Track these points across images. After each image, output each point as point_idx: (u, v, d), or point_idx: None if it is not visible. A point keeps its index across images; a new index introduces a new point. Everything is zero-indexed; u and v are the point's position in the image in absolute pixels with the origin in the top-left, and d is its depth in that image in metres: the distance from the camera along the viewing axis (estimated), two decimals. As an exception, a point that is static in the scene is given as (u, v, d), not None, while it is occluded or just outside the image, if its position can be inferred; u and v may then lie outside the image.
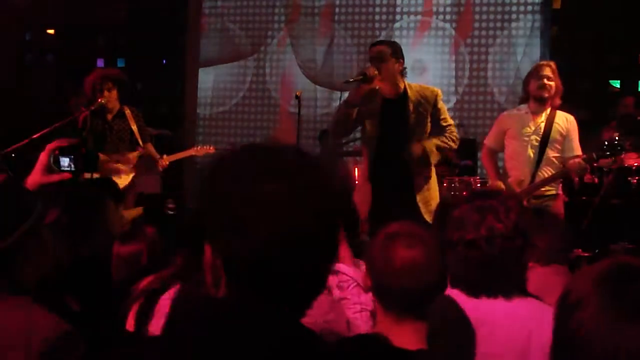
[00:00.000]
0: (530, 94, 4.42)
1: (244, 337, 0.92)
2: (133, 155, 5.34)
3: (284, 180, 0.95)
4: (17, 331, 1.45)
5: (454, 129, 4.13)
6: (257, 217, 0.92)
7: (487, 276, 1.88)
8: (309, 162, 0.99)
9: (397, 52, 3.99)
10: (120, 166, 5.31)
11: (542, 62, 4.55)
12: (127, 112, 5.33)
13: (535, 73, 4.41)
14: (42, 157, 1.81)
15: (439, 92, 4.11)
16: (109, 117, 5.34)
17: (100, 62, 8.24)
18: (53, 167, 1.83)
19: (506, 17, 7.48)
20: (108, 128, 5.32)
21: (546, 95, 4.36)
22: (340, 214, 1.01)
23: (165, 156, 5.48)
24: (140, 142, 5.35)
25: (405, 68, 4.03)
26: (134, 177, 5.26)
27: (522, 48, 7.37)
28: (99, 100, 5.22)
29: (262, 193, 0.93)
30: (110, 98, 5.23)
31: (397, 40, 7.61)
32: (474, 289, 1.90)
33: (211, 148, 6.05)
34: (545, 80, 4.35)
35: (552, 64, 4.47)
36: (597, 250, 5.10)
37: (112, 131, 5.33)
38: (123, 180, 5.34)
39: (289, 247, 0.93)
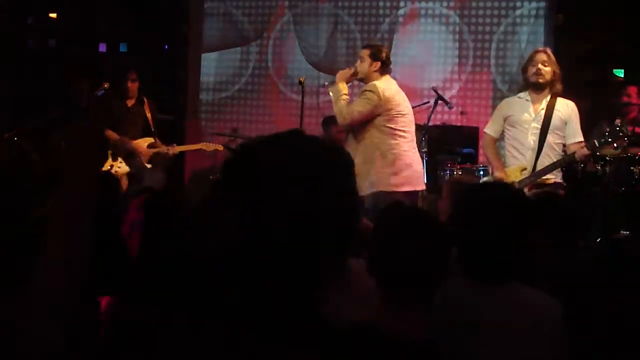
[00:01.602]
0: (528, 81, 4.45)
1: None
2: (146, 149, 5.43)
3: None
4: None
5: (350, 108, 4.58)
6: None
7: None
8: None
9: (374, 55, 4.67)
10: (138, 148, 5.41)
11: (537, 49, 4.61)
12: (146, 100, 5.50)
13: (530, 60, 4.46)
14: None
15: (368, 88, 4.59)
16: (129, 103, 5.50)
17: (102, 47, 8.20)
18: None
19: (510, 4, 7.43)
20: (125, 112, 5.46)
21: (541, 80, 4.38)
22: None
23: (175, 146, 5.64)
24: (153, 130, 5.47)
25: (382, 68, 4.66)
26: (133, 170, 5.37)
27: (526, 36, 7.33)
28: (104, 85, 5.29)
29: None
30: (133, 88, 5.42)
31: (400, 26, 7.62)
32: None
33: (220, 146, 6.10)
34: (540, 66, 4.38)
35: (547, 50, 4.51)
36: (598, 240, 5.10)
37: (128, 115, 5.47)
38: (123, 168, 5.39)
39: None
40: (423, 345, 1.61)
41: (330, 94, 4.73)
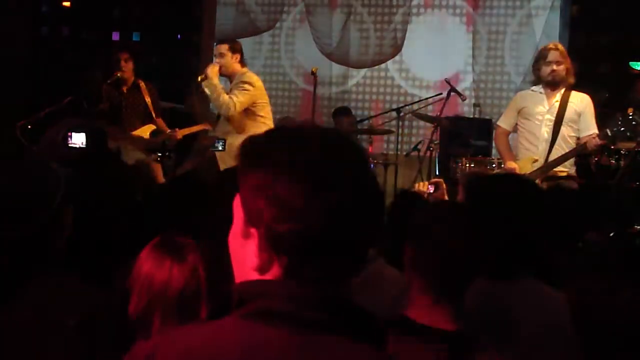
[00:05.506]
0: (542, 80, 4.44)
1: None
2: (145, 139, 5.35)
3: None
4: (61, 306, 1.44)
5: (235, 99, 4.82)
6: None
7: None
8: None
9: (232, 48, 4.99)
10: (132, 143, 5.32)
11: (549, 46, 4.57)
12: (142, 85, 5.37)
13: (543, 58, 4.43)
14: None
15: (246, 76, 4.92)
16: (124, 89, 5.38)
17: (115, 36, 8.20)
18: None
19: (525, -5, 7.36)
20: (123, 100, 5.36)
21: (557, 79, 4.38)
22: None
23: (178, 130, 5.49)
24: (154, 115, 5.39)
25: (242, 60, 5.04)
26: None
27: (541, 27, 7.25)
28: (116, 73, 5.26)
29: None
30: (127, 69, 5.28)
31: (413, 17, 7.57)
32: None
33: None
34: (555, 66, 4.38)
35: (559, 46, 4.50)
36: (612, 234, 5.06)
37: (127, 103, 5.37)
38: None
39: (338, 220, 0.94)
40: (462, 336, 1.59)
41: (206, 89, 4.92)
